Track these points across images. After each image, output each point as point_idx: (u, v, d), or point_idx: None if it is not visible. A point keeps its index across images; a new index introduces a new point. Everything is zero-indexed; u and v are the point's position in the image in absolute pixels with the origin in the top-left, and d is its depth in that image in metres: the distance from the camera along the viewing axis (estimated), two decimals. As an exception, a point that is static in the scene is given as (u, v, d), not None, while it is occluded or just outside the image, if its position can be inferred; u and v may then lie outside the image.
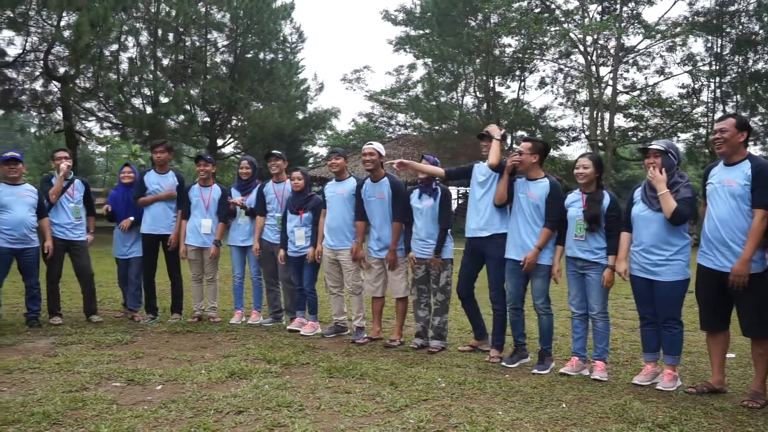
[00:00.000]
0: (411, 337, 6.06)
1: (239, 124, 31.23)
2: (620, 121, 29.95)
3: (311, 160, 38.39)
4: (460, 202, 27.99)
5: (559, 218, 5.04)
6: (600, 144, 26.55)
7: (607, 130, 26.93)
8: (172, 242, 6.93)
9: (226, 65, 29.65)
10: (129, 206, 7.01)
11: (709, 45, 27.15)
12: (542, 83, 31.33)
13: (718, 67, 26.82)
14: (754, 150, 25.56)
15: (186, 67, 27.62)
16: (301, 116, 32.20)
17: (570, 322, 5.21)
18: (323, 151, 40.77)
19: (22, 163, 6.53)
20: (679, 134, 29.36)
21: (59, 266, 6.76)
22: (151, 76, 24.94)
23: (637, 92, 29.49)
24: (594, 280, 4.87)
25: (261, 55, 29.82)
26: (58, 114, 23.92)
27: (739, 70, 26.57)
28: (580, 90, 30.38)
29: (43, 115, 24.55)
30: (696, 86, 28.18)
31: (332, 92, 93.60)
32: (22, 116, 26.76)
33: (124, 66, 24.46)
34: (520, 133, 30.15)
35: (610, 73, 27.55)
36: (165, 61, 27.11)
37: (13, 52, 21.59)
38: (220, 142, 31.55)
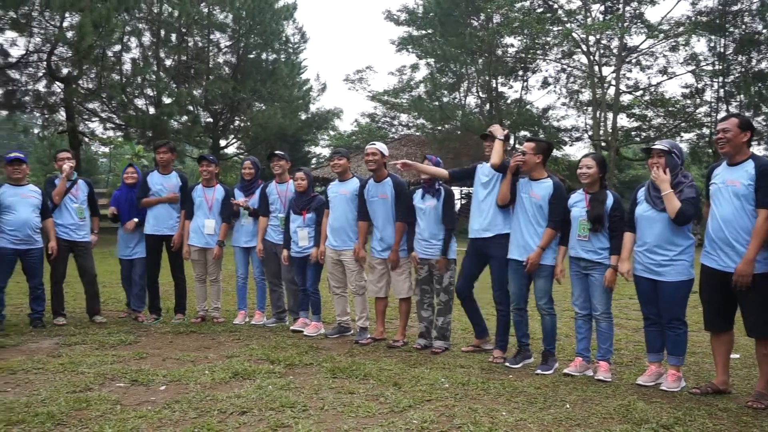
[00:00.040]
0: (414, 337, 6.06)
1: (242, 124, 31.24)
2: (623, 121, 29.94)
3: (314, 160, 38.40)
4: (462, 202, 27.99)
5: (562, 218, 5.04)
6: (603, 144, 26.51)
7: (610, 130, 26.90)
8: (175, 243, 6.93)
9: (229, 66, 29.66)
10: (132, 207, 7.02)
11: (712, 44, 27.05)
12: (545, 83, 31.30)
13: (721, 67, 26.73)
14: (758, 150, 25.49)
15: (189, 68, 27.65)
16: (303, 117, 32.20)
17: (573, 322, 5.20)
18: (326, 152, 40.83)
19: (25, 163, 6.55)
20: (683, 134, 29.28)
21: (63, 267, 6.78)
22: (153, 76, 24.98)
23: (640, 92, 29.42)
24: (597, 280, 4.87)
25: (263, 56, 29.81)
26: (62, 115, 23.98)
27: (743, 69, 26.48)
28: (583, 90, 30.35)
29: (47, 116, 24.60)
30: (699, 86, 28.10)
31: (335, 92, 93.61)
32: (26, 117, 26.85)
33: (127, 67, 24.51)
34: (522, 133, 30.10)
35: (612, 72, 27.50)
36: (168, 62, 27.15)
37: (16, 53, 21.75)
38: (223, 142, 31.58)
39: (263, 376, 4.71)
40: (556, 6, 27.87)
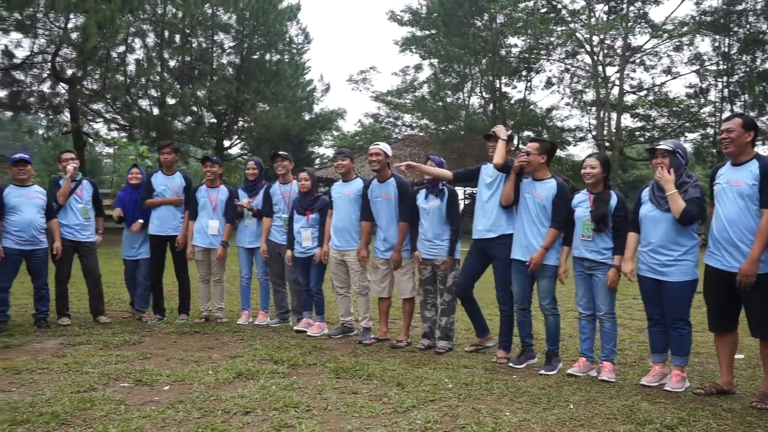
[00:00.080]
0: (418, 337, 6.06)
1: (246, 125, 31.28)
2: (627, 121, 29.88)
3: (317, 160, 38.45)
4: (466, 202, 27.97)
5: (566, 219, 5.03)
6: (607, 144, 26.47)
7: (614, 130, 26.86)
8: (179, 243, 6.94)
9: (233, 66, 29.71)
10: (137, 208, 7.03)
11: (717, 44, 27.01)
12: (549, 83, 31.28)
13: (725, 67, 26.69)
14: (762, 149, 25.45)
15: (193, 69, 27.69)
16: (307, 117, 32.23)
17: (577, 322, 5.20)
18: (329, 152, 40.84)
19: (30, 164, 6.56)
20: (687, 134, 29.25)
21: (68, 267, 6.79)
22: (158, 77, 25.03)
23: (644, 92, 29.36)
24: (601, 280, 4.86)
25: (267, 57, 29.87)
26: (66, 116, 24.03)
27: (747, 69, 26.42)
28: (587, 90, 30.30)
29: (51, 117, 24.66)
30: (703, 86, 28.06)
31: (338, 93, 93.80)
32: (30, 118, 26.88)
33: (131, 68, 24.61)
34: (526, 133, 30.09)
35: (616, 72, 27.46)
36: (172, 63, 27.21)
37: (21, 54, 21.76)
38: (226, 143, 31.63)
39: (267, 376, 4.71)
40: (559, 6, 27.84)
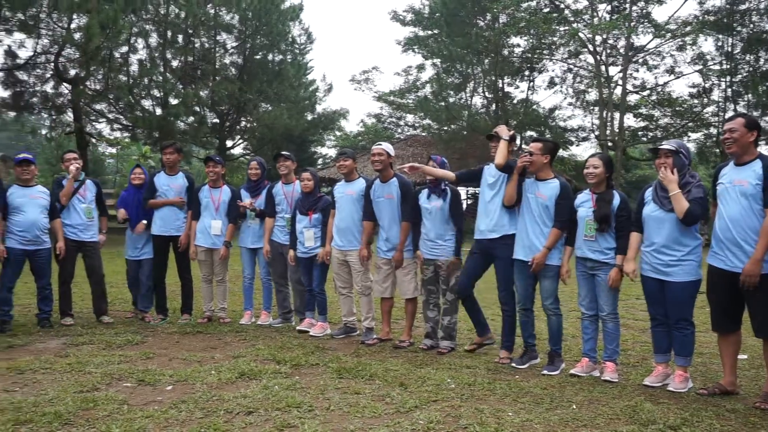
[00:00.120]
0: (420, 337, 6.06)
1: (248, 125, 31.29)
2: (630, 120, 29.78)
3: (320, 161, 38.42)
4: (469, 202, 27.96)
5: (569, 219, 5.03)
6: (610, 144, 26.42)
7: (617, 130, 26.80)
8: (182, 243, 6.95)
9: (235, 66, 29.72)
10: (139, 208, 7.04)
11: (720, 44, 26.92)
12: (551, 83, 31.19)
13: (728, 66, 26.61)
14: (766, 149, 25.36)
15: (195, 69, 27.71)
16: (309, 117, 32.24)
17: (580, 323, 5.19)
18: (332, 152, 40.79)
19: (34, 164, 6.59)
20: (690, 134, 29.15)
21: (71, 267, 6.80)
22: (160, 77, 25.05)
23: (647, 92, 29.28)
24: (604, 280, 4.85)
25: (270, 57, 29.87)
26: (69, 116, 24.05)
27: (750, 69, 26.32)
28: (590, 90, 30.22)
29: (54, 117, 24.69)
30: (707, 85, 27.98)
31: (341, 93, 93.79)
32: (33, 118, 26.94)
33: (134, 68, 24.62)
34: (529, 133, 30.04)
35: (619, 72, 27.38)
36: (174, 63, 27.22)
37: (24, 54, 21.79)
38: (229, 143, 31.65)
39: (269, 376, 4.72)
40: (562, 6, 27.80)
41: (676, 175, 4.50)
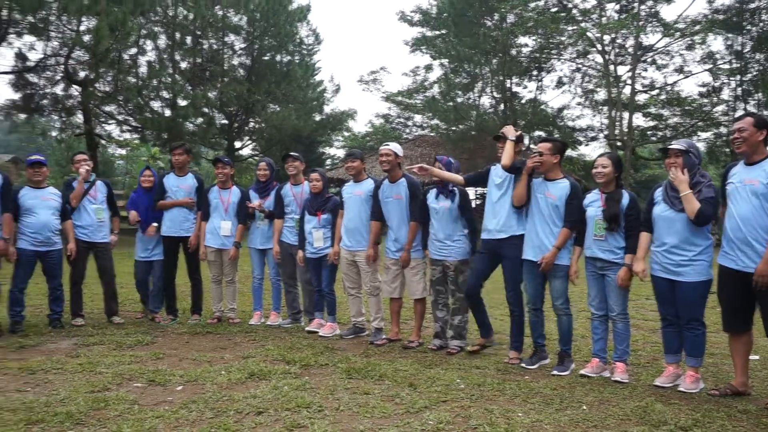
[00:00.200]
0: (430, 338, 6.06)
1: (257, 126, 31.36)
2: (639, 120, 29.65)
3: (328, 161, 38.48)
4: (477, 203, 27.92)
5: (579, 219, 5.01)
6: (619, 143, 26.31)
7: (626, 130, 26.69)
8: (192, 244, 6.98)
9: (244, 68, 29.80)
10: (148, 210, 7.06)
11: (730, 43, 26.76)
12: (560, 83, 31.09)
13: (738, 65, 26.44)
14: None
15: (204, 70, 27.80)
16: (318, 118, 32.29)
17: (590, 323, 5.17)
18: (340, 153, 40.83)
19: (46, 166, 6.63)
20: (700, 133, 28.98)
21: (82, 268, 6.84)
22: (169, 79, 25.15)
23: (656, 91, 29.13)
24: (614, 281, 4.83)
25: (278, 58, 29.93)
26: (79, 117, 24.19)
27: (761, 67, 26.16)
28: (598, 89, 30.11)
29: (64, 119, 24.84)
30: (716, 84, 27.81)
31: (349, 94, 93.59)
32: (44, 120, 27.15)
33: (143, 69, 24.71)
34: (537, 133, 29.96)
35: (628, 72, 27.26)
36: (183, 65, 27.32)
37: (34, 57, 21.93)
38: (238, 144, 31.75)
39: (279, 376, 4.73)
40: (570, 5, 27.71)
41: (686, 175, 4.48)
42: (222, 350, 5.71)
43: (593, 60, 29.36)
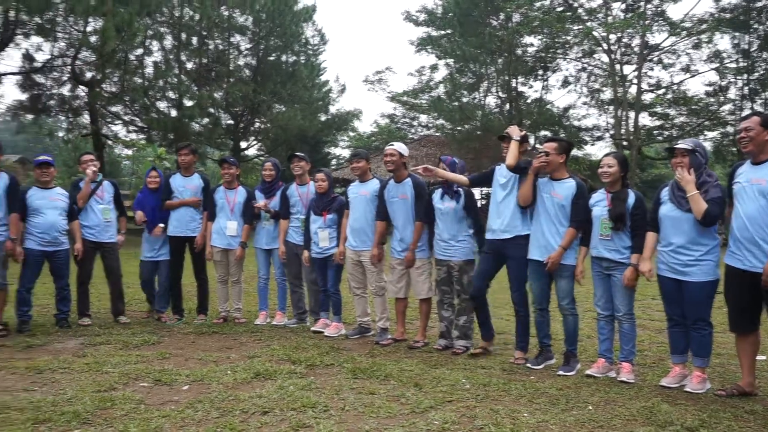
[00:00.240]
0: (435, 338, 6.06)
1: (262, 126, 31.40)
2: (645, 119, 29.59)
3: (334, 161, 38.50)
4: (483, 203, 27.89)
5: (585, 218, 5.00)
6: (625, 143, 26.24)
7: (632, 129, 26.62)
8: (198, 244, 7.00)
9: (249, 68, 29.84)
10: (155, 210, 7.08)
11: (736, 41, 26.66)
12: (565, 82, 31.07)
13: (745, 64, 26.33)
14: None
15: (210, 71, 27.85)
16: (323, 118, 32.30)
17: (596, 323, 5.16)
18: (346, 153, 40.86)
19: (53, 166, 6.66)
20: (706, 133, 28.90)
21: (89, 268, 6.87)
22: (175, 79, 25.21)
23: (663, 90, 29.06)
24: (620, 281, 4.82)
25: (283, 58, 29.95)
26: (86, 118, 24.30)
27: (768, 66, 26.08)
28: (604, 89, 30.07)
29: (71, 120, 24.94)
30: (723, 83, 27.71)
31: (354, 94, 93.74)
32: (51, 120, 27.20)
33: (149, 70, 24.78)
34: (543, 133, 29.92)
35: (634, 71, 27.21)
36: (189, 65, 27.38)
37: (41, 57, 22.03)
38: (243, 144, 31.79)
39: (284, 376, 4.74)
40: (576, 4, 27.65)
41: (693, 175, 4.46)
42: (228, 350, 5.72)
43: (599, 59, 29.35)
